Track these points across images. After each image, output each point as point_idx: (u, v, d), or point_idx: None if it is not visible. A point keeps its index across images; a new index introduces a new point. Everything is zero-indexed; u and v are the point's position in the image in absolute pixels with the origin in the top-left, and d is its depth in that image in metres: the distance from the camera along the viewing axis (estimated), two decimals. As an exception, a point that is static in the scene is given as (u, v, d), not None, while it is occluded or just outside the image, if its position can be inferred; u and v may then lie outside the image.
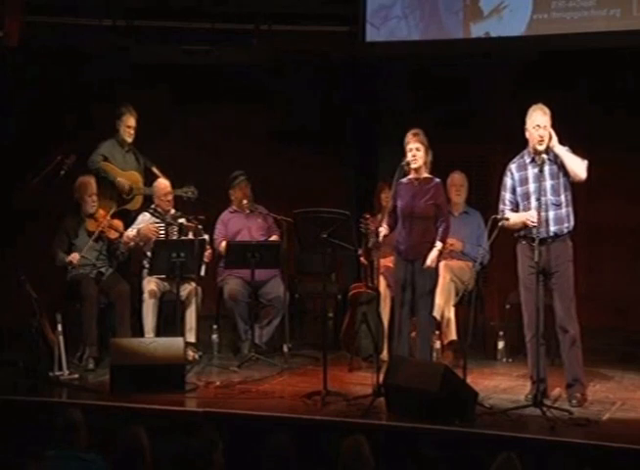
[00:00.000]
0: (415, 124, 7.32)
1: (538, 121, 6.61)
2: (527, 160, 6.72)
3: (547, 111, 6.65)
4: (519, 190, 6.73)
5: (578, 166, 6.59)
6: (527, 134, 6.67)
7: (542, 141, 6.61)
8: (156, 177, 8.58)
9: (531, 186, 6.66)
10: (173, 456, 5.48)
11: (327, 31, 9.28)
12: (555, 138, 6.63)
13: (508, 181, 6.79)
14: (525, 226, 6.64)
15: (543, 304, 6.63)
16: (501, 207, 6.81)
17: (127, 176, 8.53)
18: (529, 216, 6.61)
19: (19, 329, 7.59)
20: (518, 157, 6.79)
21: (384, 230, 7.23)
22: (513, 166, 6.79)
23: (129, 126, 8.52)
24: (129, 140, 8.55)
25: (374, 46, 9.24)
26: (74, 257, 7.93)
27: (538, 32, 8.66)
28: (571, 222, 6.70)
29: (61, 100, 9.27)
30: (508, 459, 4.77)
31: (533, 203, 6.61)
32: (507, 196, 6.79)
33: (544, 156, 6.64)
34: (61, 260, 7.95)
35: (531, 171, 6.66)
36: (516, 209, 6.75)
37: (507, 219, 6.65)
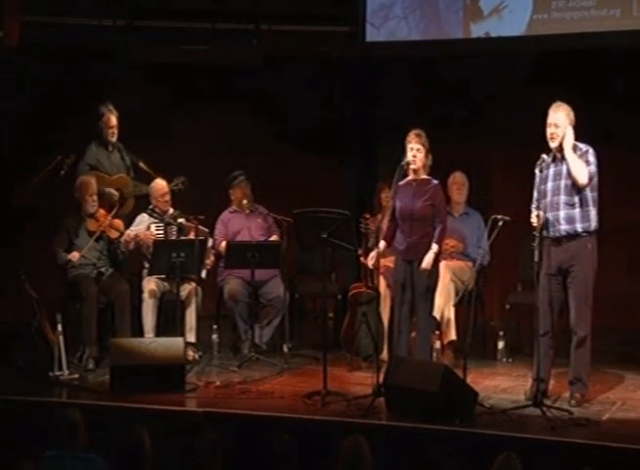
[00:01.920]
0: (415, 124, 7.32)
1: (549, 119, 6.61)
2: (550, 159, 6.71)
3: (564, 107, 6.61)
4: (541, 188, 6.69)
5: (579, 171, 6.56)
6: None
7: (552, 139, 6.60)
8: (143, 172, 8.55)
9: (548, 184, 6.66)
10: (173, 456, 5.50)
11: (327, 31, 9.28)
12: (568, 140, 6.60)
13: (535, 180, 6.76)
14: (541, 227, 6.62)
15: (558, 303, 6.63)
16: (532, 206, 6.77)
17: (116, 182, 8.47)
18: (534, 219, 6.64)
19: (19, 329, 7.60)
20: (546, 156, 6.75)
21: (381, 246, 7.28)
22: (540, 165, 6.77)
23: (111, 126, 8.42)
24: (113, 140, 8.46)
25: (374, 46, 9.24)
26: (74, 255, 7.92)
27: (538, 32, 8.66)
28: (588, 223, 6.60)
29: (61, 100, 9.27)
30: (508, 459, 4.77)
31: (548, 200, 6.61)
32: (534, 194, 6.74)
33: (544, 156, 6.64)
34: (61, 259, 7.94)
35: (551, 170, 6.65)
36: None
37: (508, 220, 6.65)
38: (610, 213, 8.97)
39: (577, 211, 6.59)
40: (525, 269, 7.59)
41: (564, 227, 6.60)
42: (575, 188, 6.58)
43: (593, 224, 6.63)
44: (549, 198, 6.63)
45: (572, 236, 6.60)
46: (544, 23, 8.65)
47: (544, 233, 6.63)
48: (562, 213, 6.60)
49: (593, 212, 6.63)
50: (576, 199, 6.59)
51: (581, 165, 6.56)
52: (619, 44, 8.34)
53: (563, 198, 6.60)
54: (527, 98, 8.73)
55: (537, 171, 6.65)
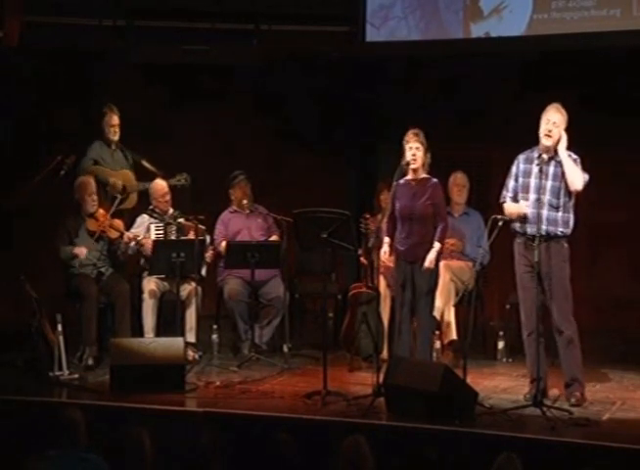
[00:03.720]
0: (415, 124, 7.32)
1: (549, 116, 6.65)
2: (536, 154, 6.72)
3: (563, 112, 6.67)
4: (520, 181, 6.76)
5: (576, 177, 6.62)
6: (540, 129, 6.69)
7: (549, 136, 6.63)
8: (147, 171, 8.57)
9: (532, 181, 6.69)
10: (173, 456, 5.50)
11: (327, 31, 9.28)
12: (564, 142, 6.64)
13: (513, 169, 6.83)
14: (520, 219, 6.66)
15: (540, 302, 6.64)
16: (504, 193, 6.85)
17: (119, 176, 8.51)
18: (523, 209, 6.65)
19: (19, 329, 7.60)
20: (529, 150, 6.80)
21: (387, 241, 7.27)
22: (521, 157, 6.82)
23: (113, 125, 8.48)
24: (115, 138, 8.51)
25: (374, 46, 9.24)
26: (81, 251, 7.91)
27: (538, 32, 8.66)
28: (568, 229, 6.69)
29: (60, 100, 9.27)
30: (508, 459, 4.77)
31: (531, 197, 6.64)
32: (511, 183, 6.82)
33: (544, 156, 6.65)
34: (65, 252, 7.92)
35: (536, 167, 6.67)
36: (516, 197, 6.78)
37: (506, 220, 6.66)
38: (610, 214, 9.03)
39: (560, 215, 6.66)
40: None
41: (545, 227, 6.63)
42: (563, 192, 6.64)
43: (570, 229, 6.71)
44: (532, 194, 6.66)
45: (551, 237, 6.65)
46: (544, 23, 8.64)
47: (518, 228, 6.69)
48: (544, 213, 6.62)
49: (572, 218, 6.72)
50: (561, 203, 6.66)
51: (578, 172, 6.62)
52: (619, 44, 8.34)
53: (547, 198, 6.64)
54: (528, 98, 8.72)
55: (528, 165, 6.69)
